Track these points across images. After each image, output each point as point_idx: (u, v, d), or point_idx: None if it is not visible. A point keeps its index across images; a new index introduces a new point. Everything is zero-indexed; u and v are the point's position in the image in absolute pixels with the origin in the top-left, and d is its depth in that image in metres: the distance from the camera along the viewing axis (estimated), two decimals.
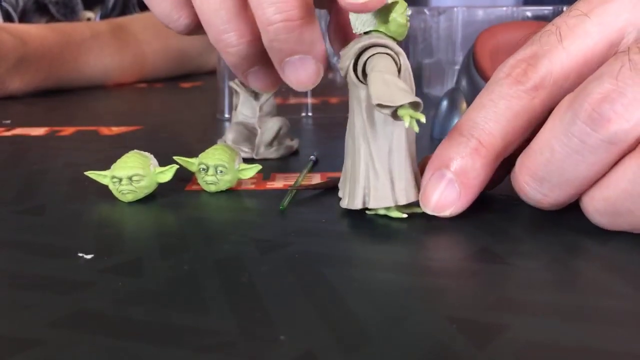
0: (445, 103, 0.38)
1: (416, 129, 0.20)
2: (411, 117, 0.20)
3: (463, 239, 0.21)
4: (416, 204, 0.23)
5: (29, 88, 0.60)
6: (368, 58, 0.22)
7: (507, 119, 0.22)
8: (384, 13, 0.22)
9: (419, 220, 0.23)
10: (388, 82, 0.21)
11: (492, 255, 0.20)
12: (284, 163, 0.33)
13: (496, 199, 0.26)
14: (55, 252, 0.20)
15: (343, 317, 0.16)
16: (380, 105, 0.20)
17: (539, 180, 0.21)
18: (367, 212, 0.23)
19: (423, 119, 0.20)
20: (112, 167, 0.26)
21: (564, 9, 0.44)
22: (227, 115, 0.46)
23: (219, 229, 0.23)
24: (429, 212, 0.22)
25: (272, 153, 0.34)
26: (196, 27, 0.25)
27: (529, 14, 0.46)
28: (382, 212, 0.23)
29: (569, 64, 0.21)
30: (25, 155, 0.35)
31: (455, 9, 0.45)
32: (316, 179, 0.30)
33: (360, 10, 0.21)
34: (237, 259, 0.20)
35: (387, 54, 0.22)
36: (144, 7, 0.88)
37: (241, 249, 0.20)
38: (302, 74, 0.23)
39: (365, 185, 0.23)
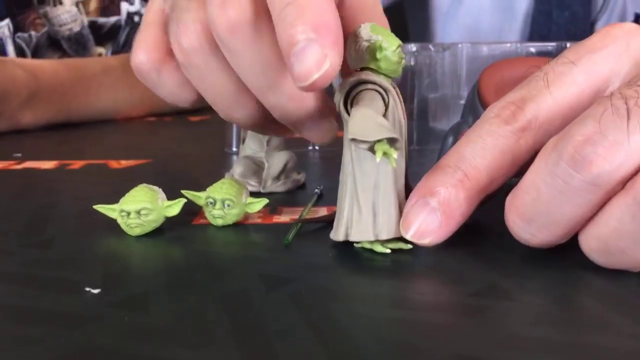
0: (450, 137, 0.38)
1: (392, 164, 0.20)
2: (385, 152, 0.20)
3: (470, 275, 0.21)
4: (402, 239, 0.23)
5: (41, 122, 0.61)
6: (356, 94, 0.22)
7: (493, 156, 0.22)
8: (373, 50, 0.22)
9: (425, 256, 0.23)
10: (366, 116, 0.21)
11: (499, 292, 0.20)
12: (291, 197, 0.33)
13: (500, 232, 0.25)
14: (62, 286, 0.21)
15: (349, 354, 0.16)
16: (355, 140, 0.21)
17: (526, 221, 0.21)
18: (354, 245, 0.24)
19: (394, 155, 0.20)
20: (120, 200, 0.26)
21: (568, 45, 0.45)
22: (234, 149, 0.46)
23: (225, 263, 0.23)
24: (408, 237, 0.22)
25: (279, 187, 0.34)
26: (201, 100, 0.26)
27: (533, 49, 0.47)
28: (367, 245, 0.23)
29: (555, 108, 0.22)
30: (35, 188, 0.36)
31: (459, 45, 0.46)
32: (322, 212, 0.30)
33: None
34: (244, 295, 0.20)
35: (376, 90, 0.22)
36: None
37: (247, 284, 0.20)
38: (319, 135, 0.25)
39: (348, 218, 0.23)
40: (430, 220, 0.22)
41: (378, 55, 0.22)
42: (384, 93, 0.23)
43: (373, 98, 0.22)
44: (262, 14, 0.22)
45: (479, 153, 0.22)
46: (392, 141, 0.20)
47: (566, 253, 0.23)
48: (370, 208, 0.23)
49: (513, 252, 0.23)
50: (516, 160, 0.23)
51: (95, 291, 0.20)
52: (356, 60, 0.23)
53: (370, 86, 0.23)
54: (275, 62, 0.22)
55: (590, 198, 0.19)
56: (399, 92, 0.24)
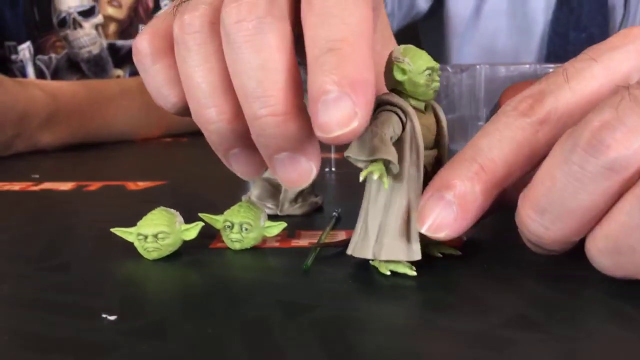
0: None
1: (385, 186, 0.21)
2: (378, 173, 0.20)
3: (496, 304, 0.20)
4: (409, 263, 0.23)
5: (59, 143, 0.61)
6: (377, 115, 0.22)
7: (510, 148, 0.22)
8: (396, 72, 0.22)
9: (447, 282, 0.22)
10: (364, 138, 0.21)
11: (528, 323, 0.19)
12: (309, 220, 0.33)
13: (520, 257, 0.25)
14: (79, 312, 0.20)
15: None
16: (349, 158, 0.21)
17: (540, 212, 0.20)
18: (369, 262, 0.24)
19: (383, 178, 0.21)
20: (138, 224, 0.26)
21: None
22: None
23: (243, 289, 0.22)
24: (423, 231, 0.22)
25: (297, 209, 0.33)
26: (184, 108, 0.25)
27: (551, 70, 0.46)
28: (372, 263, 0.23)
29: (574, 103, 0.22)
30: (52, 210, 0.36)
31: (477, 66, 0.45)
32: (340, 235, 0.29)
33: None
34: (262, 323, 0.19)
35: (395, 112, 0.22)
36: None
37: (266, 311, 0.20)
38: (292, 174, 0.22)
39: (358, 234, 0.23)
40: (446, 214, 0.21)
41: (399, 78, 0.22)
42: (402, 115, 0.22)
43: (386, 120, 0.22)
44: (276, 16, 0.21)
45: (495, 145, 0.22)
46: (389, 162, 0.21)
47: (594, 281, 0.22)
48: (377, 227, 0.23)
49: (538, 277, 0.22)
50: (534, 154, 0.22)
51: (112, 318, 0.20)
52: (388, 81, 0.23)
53: (388, 107, 0.22)
54: (273, 68, 0.21)
55: (607, 186, 0.19)
56: (439, 114, 0.24)
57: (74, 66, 0.87)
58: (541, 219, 0.21)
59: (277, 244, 0.28)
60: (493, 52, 0.74)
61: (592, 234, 0.20)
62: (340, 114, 0.19)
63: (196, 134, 0.76)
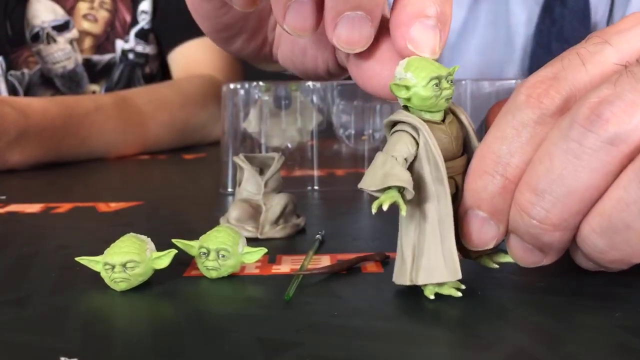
0: None
1: (402, 212, 0.20)
2: (388, 203, 0.20)
3: (494, 337, 0.19)
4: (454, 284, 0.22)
5: (30, 161, 0.59)
6: (390, 136, 0.21)
7: (533, 149, 0.21)
8: (400, 90, 0.21)
9: (442, 316, 0.21)
10: (376, 165, 0.21)
11: (530, 358, 0.17)
12: (291, 243, 0.31)
13: (522, 287, 0.23)
14: (34, 355, 0.18)
15: None
16: (362, 189, 0.21)
17: (539, 194, 0.20)
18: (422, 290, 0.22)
19: (400, 206, 0.20)
20: (105, 252, 0.24)
21: None
22: (230, 190, 0.44)
23: (219, 324, 0.20)
24: (473, 248, 0.22)
25: (278, 232, 0.32)
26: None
27: None
28: (434, 290, 0.22)
29: (590, 87, 0.21)
30: (16, 236, 0.33)
31: (463, 81, 0.44)
32: (325, 260, 0.27)
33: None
34: None
35: (406, 130, 0.21)
36: (148, 80, 0.89)
37: (244, 350, 0.18)
38: (356, 34, 0.21)
39: (397, 262, 0.23)
40: (487, 230, 0.21)
41: (404, 95, 0.21)
42: (413, 132, 0.21)
43: (397, 141, 0.21)
44: None
45: (516, 150, 0.21)
46: (403, 188, 0.20)
47: (604, 312, 0.20)
48: (411, 251, 0.22)
49: (538, 308, 0.21)
50: None
51: None
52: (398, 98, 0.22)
53: (398, 127, 0.22)
54: None
55: (606, 162, 0.18)
56: (462, 118, 0.22)
57: (47, 82, 0.84)
58: (541, 201, 0.20)
59: (256, 271, 0.26)
60: (479, 65, 0.73)
61: (587, 218, 0.20)
62: (429, 42, 0.20)
63: (176, 150, 0.74)
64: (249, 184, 0.33)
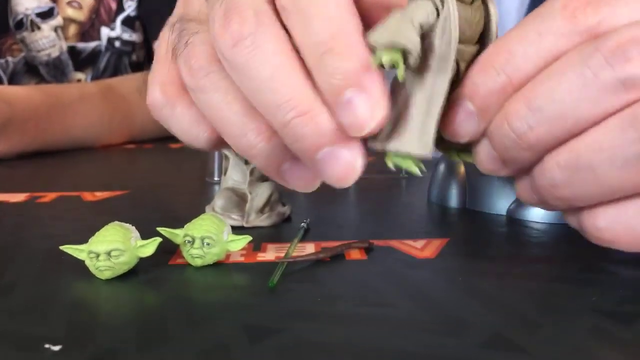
0: (442, 166, 0.36)
1: (399, 75, 0.20)
2: (389, 59, 0.19)
3: (473, 322, 0.19)
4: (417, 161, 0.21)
5: (15, 151, 0.58)
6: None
7: (546, 61, 0.20)
8: None
9: (423, 302, 0.21)
10: (389, 24, 0.20)
11: (508, 343, 0.18)
12: (276, 231, 0.31)
13: (502, 274, 0.24)
14: (18, 342, 0.18)
15: None
16: (369, 41, 0.20)
17: (532, 110, 0.19)
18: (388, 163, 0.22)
19: (398, 68, 0.19)
20: (89, 240, 0.24)
21: None
22: (216, 179, 0.44)
23: (204, 311, 0.21)
24: (447, 136, 0.22)
25: (264, 220, 0.32)
26: (219, 141, 0.24)
27: None
28: (395, 161, 0.22)
29: (629, 23, 0.19)
30: (1, 225, 0.33)
31: None
32: (309, 248, 0.28)
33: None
34: (224, 350, 0.17)
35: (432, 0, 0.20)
36: (135, 68, 0.88)
37: (229, 336, 0.18)
38: (337, 169, 0.20)
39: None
40: (467, 124, 0.21)
41: None
42: (438, 3, 0.20)
43: (419, 7, 0.20)
44: (266, 25, 0.21)
45: (532, 55, 0.20)
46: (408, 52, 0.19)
47: (581, 296, 0.21)
48: (393, 118, 0.21)
49: (516, 294, 0.21)
50: None
51: (56, 348, 0.18)
52: None
53: None
54: (281, 73, 0.20)
55: (611, 101, 0.18)
56: (490, 8, 0.22)
57: (32, 70, 0.83)
58: (529, 118, 0.19)
59: (241, 259, 0.26)
60: None
61: (554, 150, 0.20)
62: (363, 110, 0.19)
63: (163, 139, 0.74)
64: (235, 173, 0.33)
